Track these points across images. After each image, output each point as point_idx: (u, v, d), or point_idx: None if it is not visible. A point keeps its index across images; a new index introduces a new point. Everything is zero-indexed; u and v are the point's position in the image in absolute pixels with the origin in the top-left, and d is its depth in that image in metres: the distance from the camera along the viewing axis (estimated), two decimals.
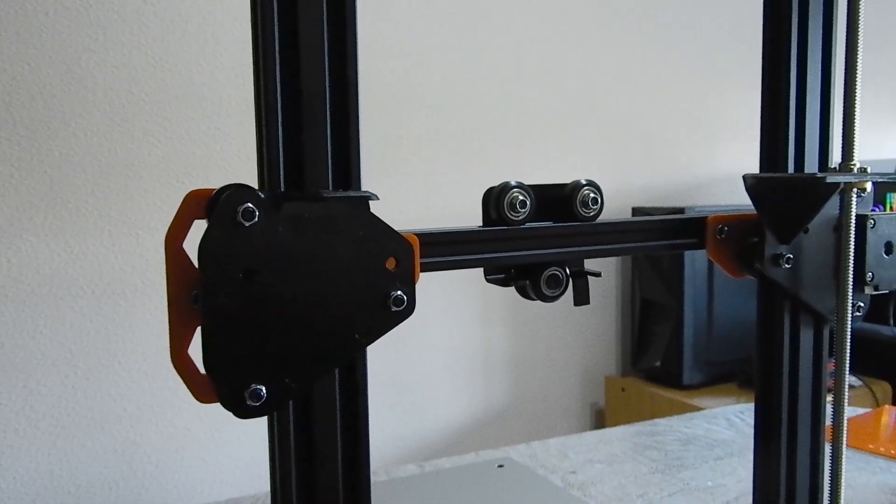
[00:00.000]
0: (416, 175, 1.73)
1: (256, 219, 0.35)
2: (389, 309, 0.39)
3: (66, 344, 1.40)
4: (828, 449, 0.52)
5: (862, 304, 0.52)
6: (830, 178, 0.47)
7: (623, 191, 2.00)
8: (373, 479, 0.92)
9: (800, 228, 0.50)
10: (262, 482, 1.53)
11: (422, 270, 0.41)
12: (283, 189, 0.37)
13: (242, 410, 0.36)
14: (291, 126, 0.37)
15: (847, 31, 0.48)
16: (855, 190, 0.49)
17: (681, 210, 1.82)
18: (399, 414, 1.76)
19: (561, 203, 0.46)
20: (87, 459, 1.43)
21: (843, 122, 0.49)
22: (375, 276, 0.38)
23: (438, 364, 1.80)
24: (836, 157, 0.51)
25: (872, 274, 0.52)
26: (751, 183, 0.50)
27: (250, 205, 0.35)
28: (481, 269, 0.48)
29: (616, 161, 2.01)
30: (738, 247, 0.51)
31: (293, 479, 0.39)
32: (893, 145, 2.54)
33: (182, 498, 1.51)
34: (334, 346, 0.38)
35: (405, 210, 1.71)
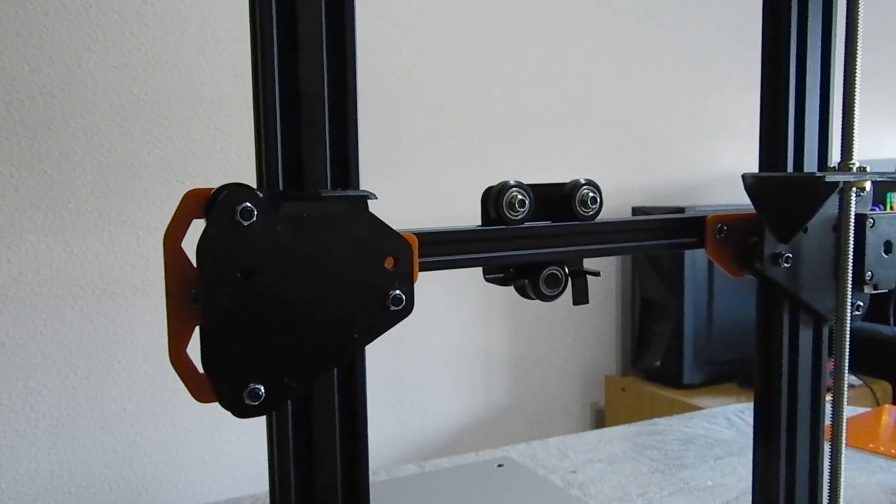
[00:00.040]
0: (416, 175, 1.73)
1: (255, 218, 0.35)
2: (388, 308, 0.39)
3: (66, 344, 1.40)
4: (827, 448, 0.52)
5: (861, 304, 0.52)
6: (829, 178, 0.47)
7: (623, 190, 2.00)
8: (373, 478, 0.92)
9: (799, 228, 0.50)
10: (262, 482, 1.53)
11: (420, 270, 0.41)
12: (281, 188, 0.37)
13: (241, 410, 0.36)
14: (290, 125, 0.37)
15: (846, 31, 0.48)
16: (854, 189, 0.49)
17: (681, 210, 1.82)
18: (399, 414, 1.76)
19: (560, 202, 0.46)
20: (87, 459, 1.43)
21: (843, 121, 0.49)
22: (374, 276, 0.38)
23: (438, 364, 1.80)
24: (835, 156, 0.51)
25: (872, 273, 0.52)
26: (750, 182, 0.50)
27: (249, 204, 0.35)
28: (481, 269, 0.48)
29: (616, 161, 2.01)
30: (738, 246, 0.51)
31: (292, 478, 0.39)
32: (894, 145, 2.54)
33: (182, 498, 1.51)
34: (333, 345, 0.38)
35: (405, 210, 1.71)
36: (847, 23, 0.49)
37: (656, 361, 1.90)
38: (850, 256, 0.49)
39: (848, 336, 0.49)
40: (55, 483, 1.40)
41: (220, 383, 0.36)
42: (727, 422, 1.13)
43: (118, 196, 1.43)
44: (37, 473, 1.39)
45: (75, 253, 1.40)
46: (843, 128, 0.49)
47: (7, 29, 1.33)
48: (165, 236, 0.36)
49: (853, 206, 0.49)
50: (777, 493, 0.53)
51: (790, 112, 0.51)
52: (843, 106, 0.48)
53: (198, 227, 0.36)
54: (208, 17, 1.48)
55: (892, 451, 0.98)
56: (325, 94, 0.38)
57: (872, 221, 0.51)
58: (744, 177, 0.50)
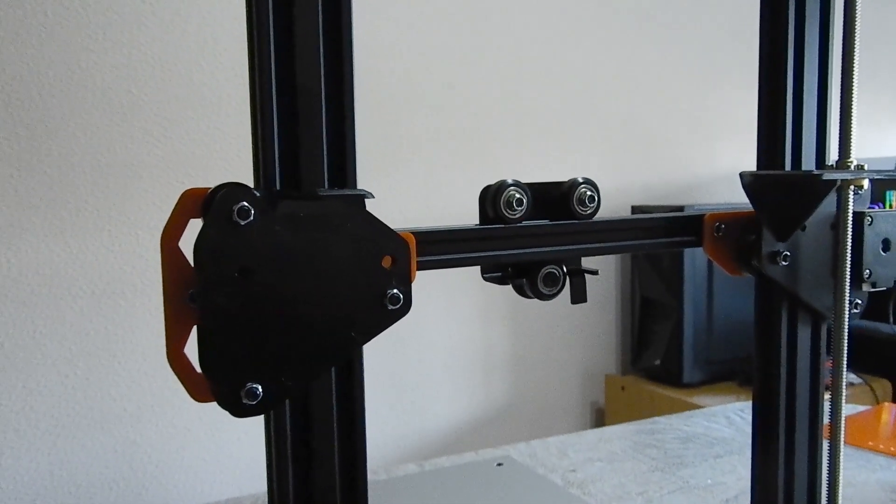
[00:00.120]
0: (416, 174, 1.73)
1: (252, 217, 0.35)
2: (386, 307, 0.39)
3: (66, 344, 1.40)
4: (826, 446, 0.52)
5: (860, 302, 0.52)
6: (827, 176, 0.47)
7: (623, 190, 2.00)
8: (373, 478, 0.92)
9: (797, 226, 0.50)
10: (262, 482, 1.53)
11: (418, 269, 0.41)
12: (278, 188, 0.37)
13: (239, 409, 0.36)
14: (287, 124, 0.37)
15: (844, 29, 0.48)
16: (852, 187, 0.49)
17: (680, 208, 1.82)
18: (399, 413, 1.76)
19: (558, 201, 0.46)
20: (87, 459, 1.43)
21: (840, 119, 0.49)
22: (372, 275, 0.38)
23: (438, 363, 1.80)
24: (833, 154, 0.51)
25: (870, 271, 0.52)
26: (748, 180, 0.50)
27: (246, 203, 0.35)
28: (479, 268, 0.48)
29: (616, 160, 2.01)
30: (736, 244, 0.51)
31: (290, 478, 0.39)
32: (894, 144, 2.54)
33: (182, 498, 1.51)
34: (331, 344, 0.38)
35: (405, 209, 1.71)
36: (845, 21, 0.49)
37: (656, 360, 1.90)
38: (849, 254, 0.49)
39: (846, 334, 0.49)
40: (55, 483, 1.41)
41: (218, 383, 0.36)
42: (727, 420, 1.13)
43: (118, 196, 1.43)
44: (37, 473, 1.39)
45: (75, 253, 1.40)
46: (840, 126, 0.49)
47: (6, 29, 1.33)
48: (163, 236, 0.36)
49: (851, 203, 0.49)
50: (776, 491, 0.53)
51: (788, 110, 0.51)
52: (841, 104, 0.48)
53: (196, 226, 0.36)
54: (208, 17, 1.48)
55: (892, 449, 0.98)
56: (322, 93, 0.38)
57: (871, 219, 0.51)
58: (742, 175, 0.50)
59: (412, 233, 0.40)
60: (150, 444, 1.48)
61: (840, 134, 0.49)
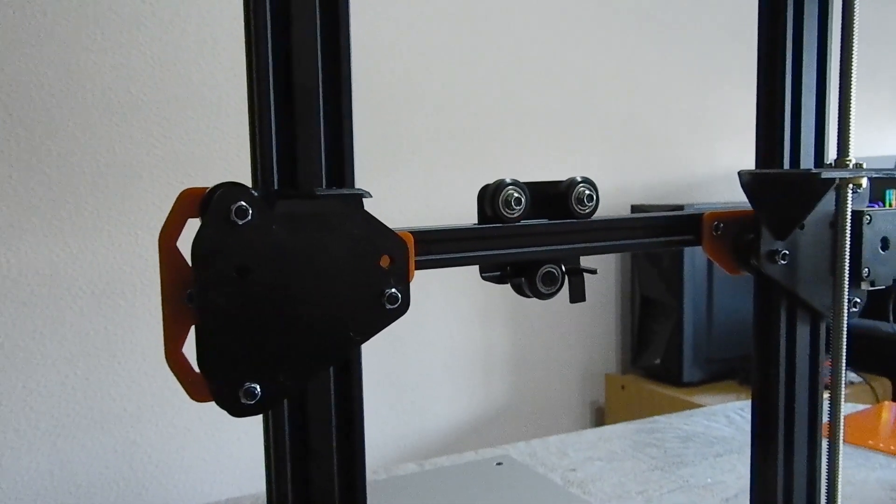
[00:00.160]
0: (416, 174, 1.73)
1: (250, 217, 0.35)
2: (384, 307, 0.39)
3: (66, 344, 1.40)
4: (825, 445, 0.52)
5: (858, 300, 0.52)
6: (825, 174, 0.47)
7: (623, 189, 2.00)
8: (373, 477, 0.92)
9: (795, 224, 0.50)
10: (262, 482, 1.53)
11: (416, 268, 0.41)
12: (276, 187, 0.37)
13: (237, 409, 0.36)
14: (285, 124, 0.37)
15: (842, 27, 0.48)
16: (850, 186, 0.49)
17: (680, 208, 1.82)
18: (399, 413, 1.76)
19: (556, 200, 0.46)
20: (87, 459, 1.43)
21: (839, 118, 0.49)
22: (369, 274, 0.38)
23: (438, 363, 1.80)
24: (832, 153, 0.51)
25: (869, 270, 0.51)
26: (746, 179, 0.50)
27: (243, 203, 0.35)
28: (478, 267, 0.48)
29: (616, 160, 2.01)
30: (735, 243, 0.51)
31: (288, 478, 0.39)
32: (893, 143, 2.54)
33: (182, 498, 1.51)
34: (329, 344, 0.38)
35: (405, 209, 1.71)
36: (843, 19, 0.49)
37: (656, 359, 1.90)
38: (847, 253, 0.49)
39: (845, 332, 0.49)
40: (55, 483, 1.41)
41: (216, 382, 0.36)
42: (727, 419, 1.13)
43: (117, 196, 1.43)
44: (37, 474, 1.39)
45: (75, 253, 1.40)
46: (839, 124, 0.49)
47: (5, 29, 1.33)
48: (160, 235, 0.36)
49: (849, 202, 0.49)
50: (775, 490, 0.53)
51: (787, 109, 0.51)
52: (840, 102, 0.48)
53: (194, 226, 0.36)
54: (207, 17, 1.48)
55: (892, 448, 0.98)
56: (320, 91, 0.38)
57: (869, 218, 0.51)
58: (740, 174, 0.50)
59: (410, 232, 0.40)
60: (150, 444, 1.48)
61: (838, 132, 0.49)
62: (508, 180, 0.44)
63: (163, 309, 0.36)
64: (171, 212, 0.36)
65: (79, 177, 1.39)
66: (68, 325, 1.40)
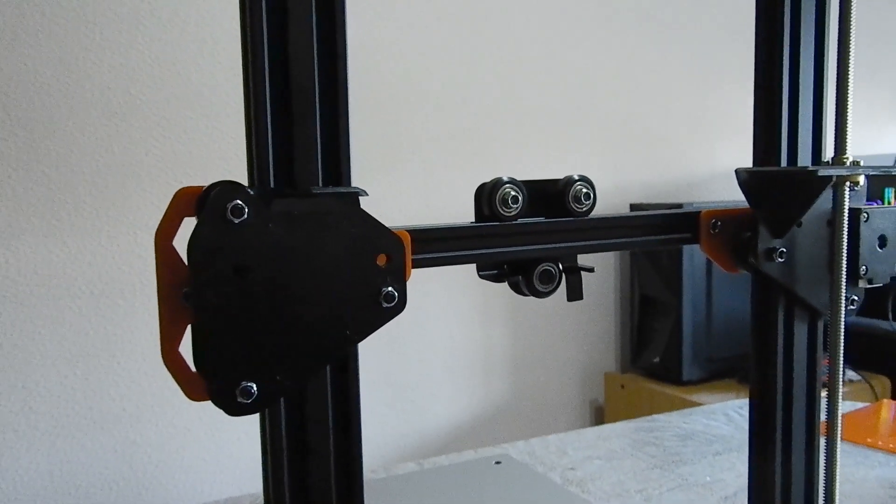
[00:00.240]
0: (416, 174, 1.73)
1: (246, 215, 0.35)
2: (380, 305, 0.39)
3: (65, 344, 1.40)
4: (823, 443, 0.52)
5: (856, 298, 0.52)
6: (823, 172, 0.47)
7: (622, 188, 2.00)
8: (372, 476, 0.92)
9: (793, 222, 0.50)
10: (261, 481, 1.53)
11: (413, 267, 0.41)
12: (273, 186, 0.37)
13: (233, 408, 0.36)
14: (281, 122, 0.37)
15: (839, 25, 0.48)
16: (848, 183, 0.49)
17: (679, 206, 1.82)
18: (399, 412, 1.76)
19: (553, 198, 0.46)
20: (87, 459, 1.43)
21: (836, 115, 0.49)
22: (366, 273, 0.38)
23: (438, 362, 1.80)
24: (829, 151, 0.51)
25: (866, 267, 0.51)
26: (743, 177, 0.50)
27: (240, 202, 0.35)
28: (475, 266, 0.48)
29: (615, 158, 2.01)
30: (732, 241, 0.51)
31: (286, 477, 0.39)
32: (892, 141, 2.54)
33: (182, 498, 1.51)
34: (325, 342, 0.38)
35: (405, 208, 1.71)
36: (840, 16, 0.49)
37: (655, 358, 1.90)
38: (845, 251, 0.49)
39: (842, 330, 0.49)
40: (55, 483, 1.41)
41: (213, 381, 0.36)
42: (726, 418, 1.13)
43: (116, 196, 1.43)
44: (36, 474, 1.39)
45: (73, 253, 1.40)
46: (836, 122, 0.49)
47: (4, 29, 1.33)
48: (157, 234, 0.36)
49: (847, 200, 0.49)
50: (774, 488, 0.53)
51: (784, 106, 0.51)
52: (837, 100, 0.48)
53: (191, 225, 0.36)
54: (206, 17, 1.48)
55: (891, 446, 0.98)
56: (316, 90, 0.38)
57: (867, 216, 0.51)
58: (737, 172, 0.50)
59: (407, 231, 0.40)
60: (150, 444, 1.48)
61: (836, 130, 0.49)
62: (505, 178, 0.44)
63: (159, 308, 0.37)
64: (167, 210, 0.36)
65: (78, 177, 1.39)
66: (67, 325, 1.40)
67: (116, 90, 1.42)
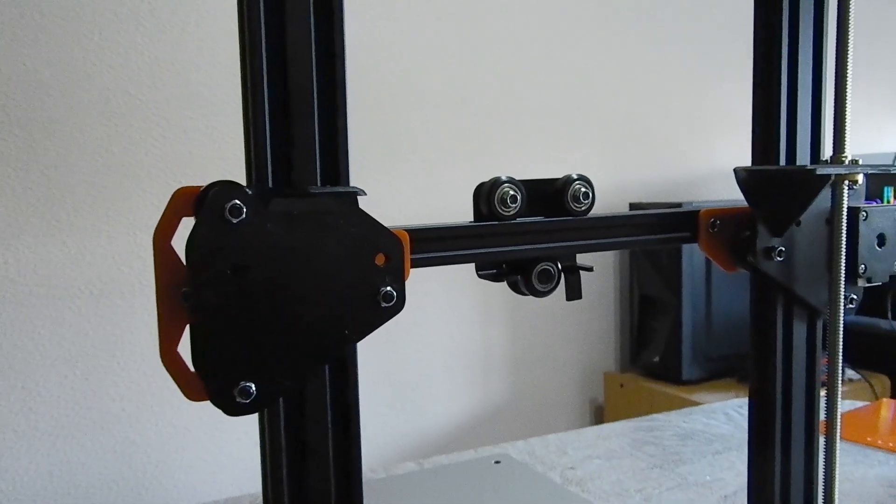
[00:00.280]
0: (415, 173, 1.73)
1: (244, 215, 0.35)
2: (379, 305, 0.39)
3: (65, 344, 1.40)
4: (823, 442, 0.52)
5: (855, 297, 0.52)
6: (821, 170, 0.47)
7: (621, 187, 2.00)
8: (372, 476, 0.92)
9: (792, 221, 0.50)
10: (260, 481, 1.53)
11: (412, 266, 0.41)
12: (271, 185, 0.37)
13: (232, 408, 0.36)
14: (279, 122, 0.37)
15: (838, 23, 0.48)
16: (846, 182, 0.49)
17: (678, 205, 1.82)
18: (398, 412, 1.76)
19: (552, 198, 0.46)
20: (87, 459, 1.43)
21: (835, 114, 0.48)
22: (365, 272, 0.38)
23: (438, 362, 1.80)
24: (828, 150, 0.51)
25: (865, 266, 0.51)
26: (742, 176, 0.50)
27: (238, 201, 0.35)
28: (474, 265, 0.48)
29: (615, 157, 2.01)
30: (731, 240, 0.51)
31: (284, 476, 0.39)
32: (891, 140, 2.54)
33: (181, 498, 1.51)
34: (324, 342, 0.38)
35: (404, 208, 1.71)
36: (839, 15, 0.49)
37: (655, 357, 1.90)
38: (843, 250, 0.49)
39: (841, 329, 0.49)
40: (55, 483, 1.41)
41: (211, 381, 0.36)
42: (725, 417, 1.13)
43: (116, 196, 1.43)
44: (36, 474, 1.39)
45: (73, 253, 1.40)
46: (835, 121, 0.49)
47: (3, 29, 1.33)
48: (155, 234, 0.36)
49: (846, 199, 0.49)
50: (773, 487, 0.53)
51: (783, 105, 0.51)
52: (835, 99, 0.48)
53: (189, 225, 0.36)
54: (206, 17, 1.48)
55: (890, 445, 0.98)
56: (314, 90, 0.38)
57: (865, 214, 0.51)
58: (736, 170, 0.50)
59: (405, 230, 0.40)
60: (150, 444, 1.48)
61: (834, 129, 0.49)
62: (504, 178, 0.44)
63: (158, 308, 0.37)
64: (165, 210, 0.36)
65: (77, 177, 1.39)
66: (67, 326, 1.40)
67: (116, 90, 1.42)
